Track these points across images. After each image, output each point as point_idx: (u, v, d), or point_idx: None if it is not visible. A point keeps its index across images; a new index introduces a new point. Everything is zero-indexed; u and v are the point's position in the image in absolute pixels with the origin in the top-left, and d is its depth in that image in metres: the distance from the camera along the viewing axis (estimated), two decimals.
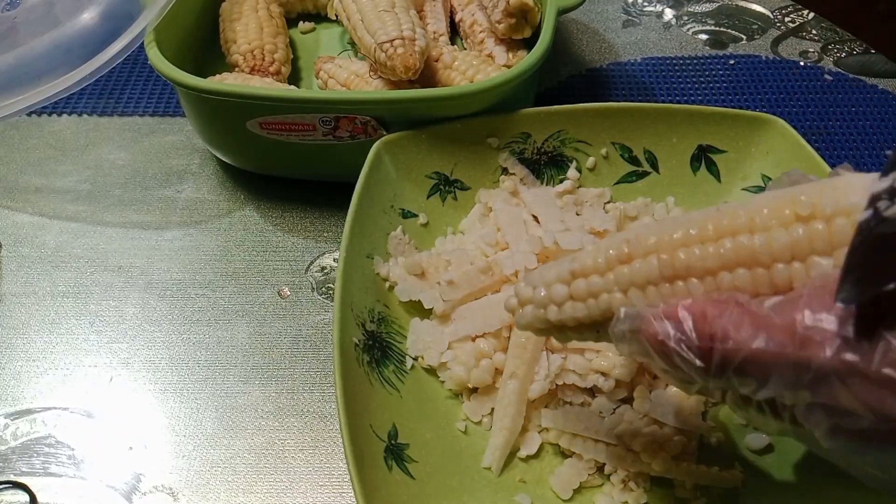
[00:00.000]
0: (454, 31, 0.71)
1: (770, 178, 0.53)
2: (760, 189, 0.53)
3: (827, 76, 0.69)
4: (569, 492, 0.44)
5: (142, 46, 0.56)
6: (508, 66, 0.62)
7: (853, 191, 0.27)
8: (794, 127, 0.52)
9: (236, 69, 0.63)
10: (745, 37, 0.74)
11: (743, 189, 0.54)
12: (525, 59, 0.54)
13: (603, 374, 0.46)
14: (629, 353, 0.32)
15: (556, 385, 0.46)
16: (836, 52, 0.72)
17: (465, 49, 0.68)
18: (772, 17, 0.76)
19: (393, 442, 0.43)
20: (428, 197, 0.55)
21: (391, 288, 0.50)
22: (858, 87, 0.69)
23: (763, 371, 0.27)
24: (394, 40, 0.56)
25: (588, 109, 0.55)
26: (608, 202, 0.55)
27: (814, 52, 0.72)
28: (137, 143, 0.65)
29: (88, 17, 0.57)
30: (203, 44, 0.67)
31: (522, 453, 0.45)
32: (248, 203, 0.61)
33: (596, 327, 0.34)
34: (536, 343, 0.46)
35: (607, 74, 0.70)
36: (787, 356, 0.26)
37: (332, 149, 0.56)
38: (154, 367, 0.52)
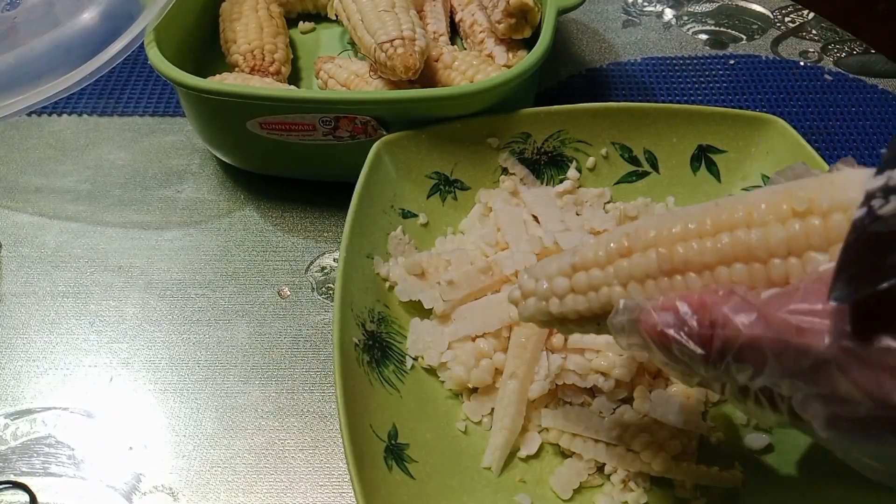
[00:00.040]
0: (454, 31, 0.71)
1: (770, 178, 0.53)
2: None
3: (827, 76, 0.69)
4: (569, 492, 0.44)
5: (142, 46, 0.56)
6: (508, 66, 0.62)
7: (850, 186, 0.27)
8: (794, 127, 0.52)
9: (236, 69, 0.63)
10: (745, 37, 0.74)
11: (743, 189, 0.54)
12: (525, 59, 0.54)
13: (603, 374, 0.46)
14: (628, 346, 0.32)
15: (556, 385, 0.46)
16: (836, 52, 0.72)
17: (465, 49, 0.68)
18: (772, 17, 0.76)
19: (393, 442, 0.43)
20: (428, 197, 0.55)
21: (391, 288, 0.50)
22: (858, 87, 0.69)
23: (761, 358, 0.27)
24: (394, 40, 0.56)
25: (588, 109, 0.55)
26: (608, 202, 0.55)
27: (814, 52, 0.72)
28: (137, 143, 0.65)
29: (88, 17, 0.57)
30: (203, 44, 0.67)
31: (522, 453, 0.45)
32: (248, 203, 0.61)
33: (596, 320, 0.35)
34: (536, 343, 0.46)
35: (607, 74, 0.70)
36: (786, 342, 0.26)
37: (332, 149, 0.56)
38: (154, 367, 0.52)
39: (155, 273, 0.57)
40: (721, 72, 0.70)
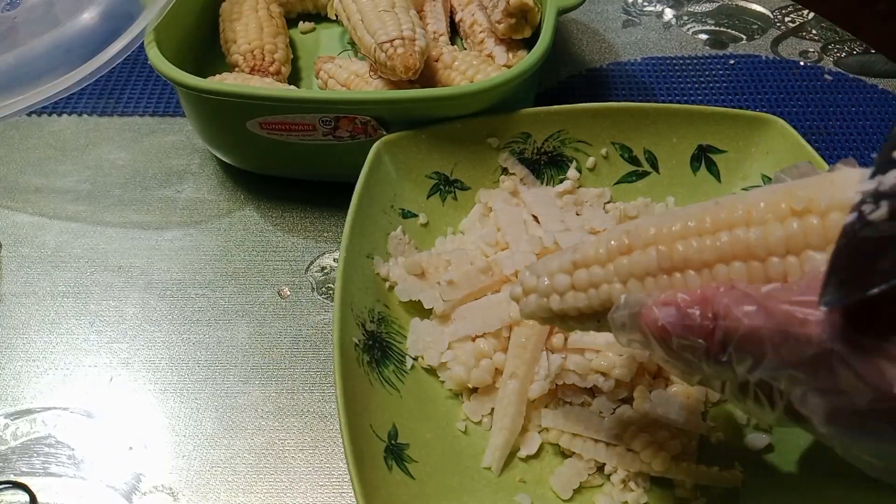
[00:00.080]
0: (454, 31, 0.71)
1: (770, 178, 0.53)
2: None
3: (827, 76, 0.69)
4: (569, 492, 0.44)
5: (142, 46, 0.56)
6: (508, 66, 0.62)
7: (848, 185, 0.28)
8: (794, 127, 0.52)
9: (236, 69, 0.63)
10: (745, 37, 0.74)
11: (743, 189, 0.54)
12: (525, 59, 0.54)
13: (603, 374, 0.46)
14: (628, 343, 0.32)
15: (556, 385, 0.46)
16: (836, 52, 0.72)
17: (465, 49, 0.68)
18: (772, 17, 0.76)
19: (393, 442, 0.43)
20: (428, 197, 0.55)
21: (391, 288, 0.50)
22: (858, 87, 0.69)
23: (761, 349, 0.27)
24: (394, 40, 0.56)
25: (588, 109, 0.55)
26: (608, 202, 0.55)
27: (814, 52, 0.72)
28: (137, 143, 0.65)
29: (88, 17, 0.57)
30: (203, 44, 0.67)
31: (522, 453, 0.45)
32: (248, 203, 0.61)
33: (597, 317, 0.35)
34: (536, 343, 0.46)
35: (607, 74, 0.70)
36: (787, 332, 0.26)
37: (332, 149, 0.56)
38: (154, 367, 0.52)
39: (155, 273, 0.57)
40: (721, 72, 0.70)
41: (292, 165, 0.60)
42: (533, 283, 0.37)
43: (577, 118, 0.55)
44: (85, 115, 0.68)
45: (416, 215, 0.54)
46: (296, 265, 0.57)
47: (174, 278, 0.56)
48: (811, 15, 0.75)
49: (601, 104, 0.55)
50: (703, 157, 0.55)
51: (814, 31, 0.74)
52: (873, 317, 0.25)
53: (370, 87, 0.59)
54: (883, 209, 0.25)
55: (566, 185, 0.55)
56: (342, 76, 0.62)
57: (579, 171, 0.56)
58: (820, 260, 0.28)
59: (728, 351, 0.28)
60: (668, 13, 0.76)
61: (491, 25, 0.65)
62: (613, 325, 0.33)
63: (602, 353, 0.46)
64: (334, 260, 0.57)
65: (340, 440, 0.40)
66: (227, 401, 0.50)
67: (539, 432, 0.46)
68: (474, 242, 0.52)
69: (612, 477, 0.44)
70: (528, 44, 0.64)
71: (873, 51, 0.72)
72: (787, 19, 0.75)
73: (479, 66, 0.59)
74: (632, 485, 0.43)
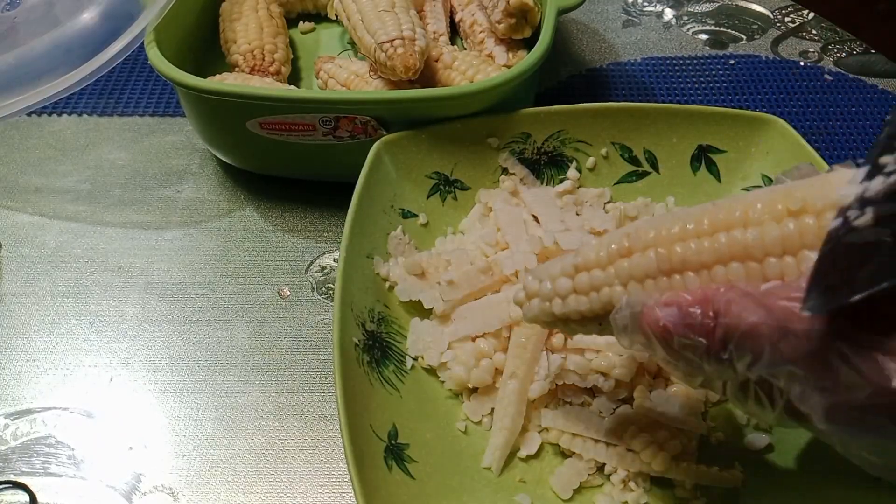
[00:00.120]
0: (454, 31, 0.71)
1: (770, 179, 0.53)
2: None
3: (827, 76, 0.69)
4: (569, 492, 0.44)
5: (142, 46, 0.56)
6: (508, 66, 0.62)
7: (843, 184, 0.28)
8: (794, 127, 0.52)
9: (236, 69, 0.63)
10: (745, 37, 0.74)
11: (743, 189, 0.54)
12: (525, 59, 0.54)
13: (603, 374, 0.46)
14: (630, 344, 0.33)
15: (556, 385, 0.46)
16: (836, 52, 0.72)
17: (465, 49, 0.68)
18: (772, 17, 0.76)
19: (393, 442, 0.43)
20: (428, 197, 0.55)
21: (391, 288, 0.50)
22: (858, 87, 0.69)
23: (760, 345, 0.27)
24: (394, 40, 0.56)
25: (588, 109, 0.55)
26: (608, 202, 0.55)
27: (814, 52, 0.72)
28: (137, 143, 0.65)
29: (88, 17, 0.57)
30: (203, 44, 0.67)
31: (522, 453, 0.45)
32: (248, 203, 0.61)
33: (598, 320, 0.35)
34: (536, 343, 0.46)
35: (607, 74, 0.70)
36: (787, 328, 0.27)
37: (332, 149, 0.56)
38: (154, 367, 0.52)
39: (155, 273, 0.57)
40: (721, 72, 0.70)
41: (292, 165, 0.60)
42: (535, 288, 0.38)
43: (577, 118, 0.55)
44: (85, 115, 0.68)
45: (416, 215, 0.54)
46: (296, 265, 0.57)
47: (174, 278, 0.56)
48: (811, 15, 0.75)
49: (601, 104, 0.55)
50: (703, 157, 0.55)
51: (814, 31, 0.74)
52: (871, 311, 0.25)
53: (370, 87, 0.59)
54: (868, 215, 0.25)
55: (566, 185, 0.55)
56: (342, 76, 0.62)
57: (579, 171, 0.56)
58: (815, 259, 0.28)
59: (728, 348, 0.28)
60: (668, 13, 0.76)
61: (491, 25, 0.65)
62: (615, 328, 0.33)
63: (602, 353, 0.46)
64: (334, 260, 0.57)
65: (340, 440, 0.40)
66: (227, 401, 0.50)
67: (539, 432, 0.46)
68: (474, 242, 0.52)
69: (612, 477, 0.44)
70: (528, 44, 0.64)
71: (873, 51, 0.72)
72: (787, 19, 0.75)
73: (479, 66, 0.59)
74: (632, 485, 0.43)
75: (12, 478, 0.47)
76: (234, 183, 0.62)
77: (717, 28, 0.75)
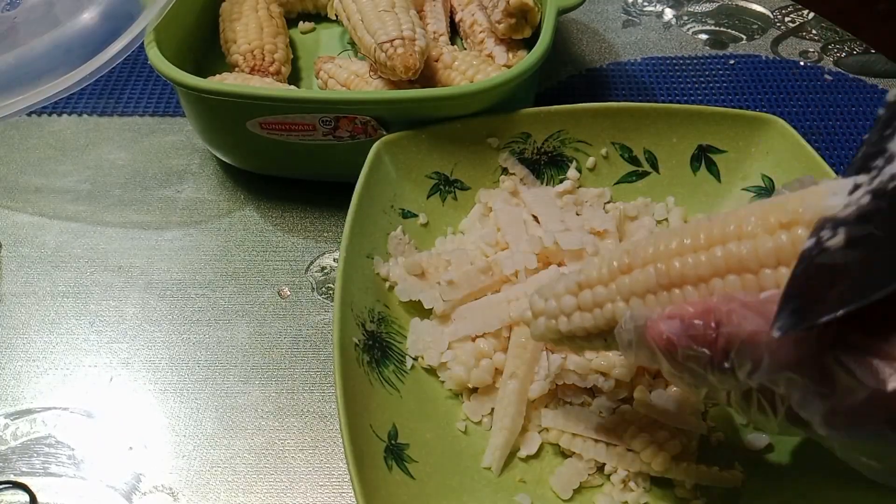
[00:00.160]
0: (454, 31, 0.71)
1: (770, 178, 0.53)
2: (760, 189, 0.53)
3: (827, 76, 0.69)
4: (569, 492, 0.44)
5: (142, 46, 0.56)
6: (508, 66, 0.62)
7: (832, 194, 0.28)
8: (794, 127, 0.52)
9: (236, 69, 0.63)
10: (745, 37, 0.74)
11: (743, 189, 0.54)
12: (525, 59, 0.54)
13: (603, 374, 0.46)
14: (636, 359, 0.33)
15: (556, 385, 0.46)
16: (836, 52, 0.72)
17: (465, 49, 0.68)
18: (772, 17, 0.76)
19: (393, 442, 0.43)
20: (428, 197, 0.55)
21: (391, 288, 0.50)
22: (858, 87, 0.69)
23: (759, 352, 0.28)
24: (394, 40, 0.56)
25: (588, 109, 0.55)
26: (608, 202, 0.55)
27: (814, 52, 0.72)
28: (137, 143, 0.65)
29: (88, 17, 0.57)
30: (203, 44, 0.67)
31: (522, 453, 0.45)
32: (248, 203, 0.61)
33: (603, 336, 0.36)
34: (536, 343, 0.46)
35: (607, 74, 0.70)
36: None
37: (332, 149, 0.56)
38: (154, 367, 0.52)
39: (155, 273, 0.57)
40: (721, 72, 0.70)
41: (292, 165, 0.60)
42: (541, 307, 0.39)
43: (577, 118, 0.55)
44: (85, 115, 0.68)
45: (416, 215, 0.54)
46: (296, 265, 0.57)
47: (174, 278, 0.56)
48: (811, 15, 0.75)
49: (601, 104, 0.55)
50: (703, 157, 0.55)
51: (814, 31, 0.74)
52: (867, 316, 0.25)
53: (370, 87, 0.59)
54: (840, 237, 0.26)
55: (566, 185, 0.55)
56: (342, 76, 0.62)
57: (579, 171, 0.56)
58: None
59: (730, 357, 0.29)
60: (668, 13, 0.76)
61: (491, 25, 0.65)
62: (621, 343, 0.34)
63: (602, 353, 0.46)
64: (334, 260, 0.57)
65: (340, 440, 0.40)
66: (227, 401, 0.50)
67: (539, 432, 0.46)
68: (474, 242, 0.52)
69: (612, 477, 0.44)
70: (528, 44, 0.64)
71: (873, 51, 0.72)
72: (787, 19, 0.75)
73: (479, 66, 0.59)
74: (632, 485, 0.43)
75: (12, 478, 0.47)
76: (234, 183, 0.62)
77: (717, 28, 0.75)
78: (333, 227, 0.59)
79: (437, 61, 0.61)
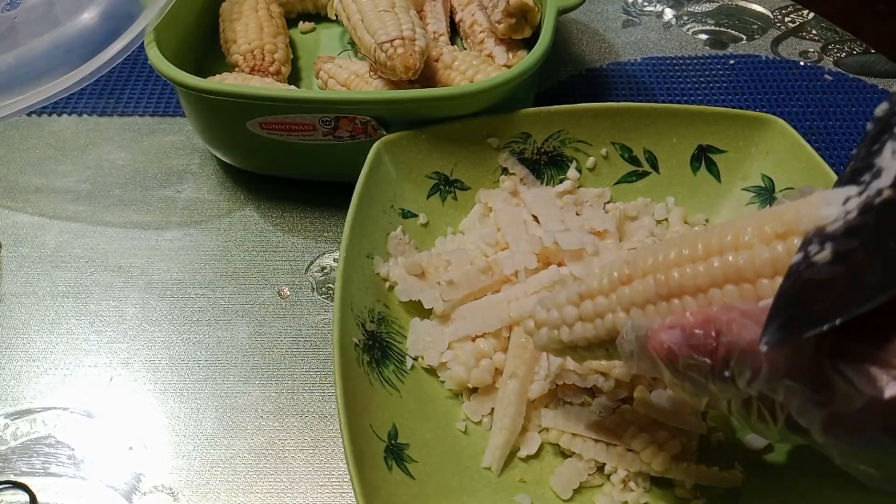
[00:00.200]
0: (454, 31, 0.71)
1: (770, 178, 0.53)
2: (760, 189, 0.53)
3: (827, 76, 0.69)
4: (569, 492, 0.44)
5: (142, 46, 0.56)
6: (508, 66, 0.62)
7: (826, 203, 0.28)
8: (794, 127, 0.52)
9: (236, 69, 0.63)
10: (745, 37, 0.74)
11: (743, 189, 0.54)
12: (525, 59, 0.54)
13: (603, 374, 0.46)
14: (637, 368, 0.34)
15: (556, 385, 0.46)
16: (836, 52, 0.72)
17: (465, 49, 0.68)
18: (772, 17, 0.76)
19: (393, 442, 0.43)
20: (428, 197, 0.55)
21: (391, 288, 0.50)
22: (858, 87, 0.69)
23: (758, 361, 0.28)
24: (394, 40, 0.56)
25: (588, 109, 0.55)
26: (608, 202, 0.55)
27: (814, 52, 0.72)
28: (137, 143, 0.65)
29: (88, 17, 0.57)
30: (203, 44, 0.67)
31: (522, 453, 0.45)
32: (248, 203, 0.61)
33: (605, 346, 0.37)
34: None
35: (607, 74, 0.70)
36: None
37: (332, 149, 0.56)
38: (154, 367, 0.52)
39: (155, 273, 0.57)
40: (721, 72, 0.70)
41: (292, 165, 0.60)
42: (544, 317, 0.39)
43: (577, 118, 0.55)
44: (85, 115, 0.68)
45: (416, 215, 0.54)
46: (296, 265, 0.57)
47: (174, 278, 0.56)
48: (811, 15, 0.75)
49: (601, 104, 0.55)
50: (703, 157, 0.55)
51: (814, 31, 0.74)
52: (863, 324, 0.25)
53: (370, 87, 0.59)
54: (827, 251, 0.26)
55: (566, 185, 0.55)
56: (342, 76, 0.62)
57: (579, 171, 0.56)
58: None
59: (730, 366, 0.29)
60: (668, 13, 0.76)
61: (491, 25, 0.65)
62: (622, 353, 0.34)
63: None
64: (334, 260, 0.57)
65: (340, 440, 0.40)
66: (227, 401, 0.50)
67: (539, 432, 0.46)
68: (474, 242, 0.52)
69: (612, 477, 0.44)
70: (528, 44, 0.64)
71: (873, 51, 0.72)
72: (787, 19, 0.75)
73: (479, 66, 0.59)
74: (632, 485, 0.43)
75: (12, 478, 0.47)
76: (234, 183, 0.62)
77: (717, 28, 0.75)
78: (333, 227, 0.59)
79: (437, 61, 0.61)
